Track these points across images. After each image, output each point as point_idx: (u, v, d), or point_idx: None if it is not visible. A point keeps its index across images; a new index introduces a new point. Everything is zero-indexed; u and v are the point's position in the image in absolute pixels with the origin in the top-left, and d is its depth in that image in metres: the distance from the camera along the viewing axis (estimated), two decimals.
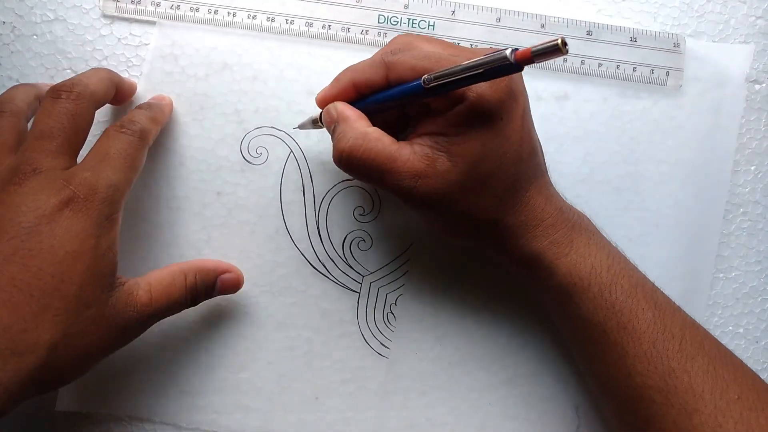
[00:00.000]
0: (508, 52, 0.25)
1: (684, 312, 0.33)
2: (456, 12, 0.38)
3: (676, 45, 0.39)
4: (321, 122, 0.34)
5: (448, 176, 0.30)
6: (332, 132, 0.32)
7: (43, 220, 0.28)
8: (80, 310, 0.28)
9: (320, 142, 0.38)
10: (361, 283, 0.38)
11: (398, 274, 0.38)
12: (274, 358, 0.38)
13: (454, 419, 0.38)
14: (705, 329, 0.32)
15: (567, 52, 0.24)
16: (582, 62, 0.39)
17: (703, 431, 0.28)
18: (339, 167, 0.32)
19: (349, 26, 0.38)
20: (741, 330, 0.39)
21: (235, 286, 0.37)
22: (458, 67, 0.27)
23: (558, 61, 0.38)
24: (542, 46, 0.24)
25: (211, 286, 0.35)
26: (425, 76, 0.29)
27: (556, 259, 0.31)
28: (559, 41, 0.23)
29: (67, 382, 0.30)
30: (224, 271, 0.36)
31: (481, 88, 0.29)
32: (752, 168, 0.40)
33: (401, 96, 0.30)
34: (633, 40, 0.39)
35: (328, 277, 0.38)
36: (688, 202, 0.39)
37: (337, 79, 0.33)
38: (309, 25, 0.38)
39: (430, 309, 0.38)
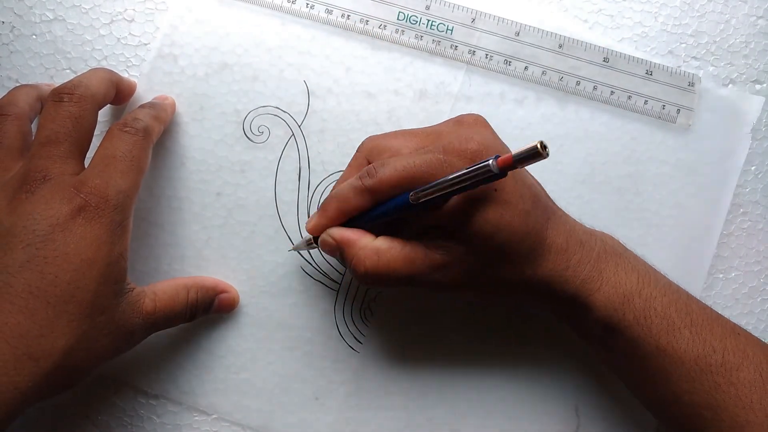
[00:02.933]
0: (491, 162, 0.26)
1: (724, 319, 0.32)
2: (476, 20, 0.38)
3: (691, 84, 0.39)
4: (316, 244, 0.34)
5: (467, 259, 0.30)
6: (339, 258, 0.33)
7: (57, 228, 0.29)
8: (94, 316, 0.29)
9: (324, 121, 0.38)
10: (342, 275, 0.38)
11: None
12: (274, 358, 0.38)
13: (453, 419, 0.38)
14: (749, 334, 0.32)
15: (547, 155, 0.24)
16: (594, 88, 0.39)
17: None
18: (365, 285, 0.34)
19: (368, 18, 0.38)
20: None
21: (230, 305, 0.37)
22: (444, 181, 0.28)
23: (570, 84, 0.39)
24: (523, 151, 0.25)
25: (209, 304, 0.36)
26: (412, 193, 0.29)
27: (590, 295, 0.31)
28: (539, 145, 0.24)
29: (76, 384, 0.30)
30: (222, 291, 0.37)
31: None
32: (752, 168, 0.40)
33: (392, 213, 0.31)
34: (648, 73, 0.39)
35: (310, 263, 0.38)
36: (688, 202, 0.39)
37: (324, 208, 0.33)
38: (329, 12, 0.38)
39: (407, 308, 0.38)
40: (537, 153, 0.24)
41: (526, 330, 0.38)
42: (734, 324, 0.32)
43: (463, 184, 0.27)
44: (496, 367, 0.38)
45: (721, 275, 0.39)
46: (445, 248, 0.30)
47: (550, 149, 0.38)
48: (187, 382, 0.38)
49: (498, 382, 0.38)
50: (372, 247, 0.31)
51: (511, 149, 0.34)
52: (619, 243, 0.34)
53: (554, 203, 0.34)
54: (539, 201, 0.32)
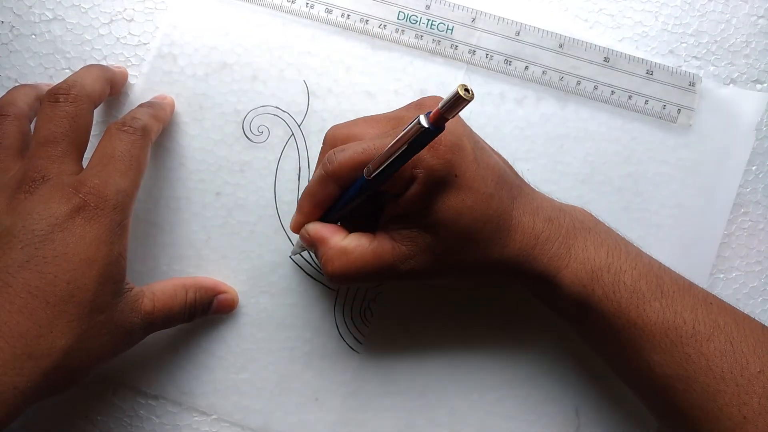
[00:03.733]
0: (422, 119, 0.26)
1: (697, 289, 0.32)
2: (476, 20, 0.38)
3: (692, 84, 0.39)
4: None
5: (434, 247, 0.30)
6: (315, 254, 0.33)
7: (56, 228, 0.29)
8: (93, 316, 0.29)
9: (324, 121, 0.38)
10: None
11: None
12: (274, 359, 0.38)
13: (453, 420, 0.38)
14: (722, 302, 0.32)
15: (472, 96, 0.24)
16: (595, 88, 0.39)
17: (729, 411, 0.29)
18: (336, 284, 0.34)
19: (368, 18, 0.38)
20: None
21: (229, 306, 0.37)
22: (387, 150, 0.28)
23: (571, 84, 0.38)
24: (446, 100, 0.24)
25: (208, 305, 0.36)
26: (365, 169, 0.29)
27: (558, 273, 0.32)
28: (460, 90, 0.23)
29: (75, 384, 0.30)
30: (221, 292, 0.37)
31: (425, 162, 0.29)
32: (753, 168, 0.40)
33: (356, 196, 0.31)
34: (649, 72, 0.39)
35: (310, 263, 0.38)
36: (688, 202, 0.39)
37: (299, 205, 0.34)
38: (329, 11, 0.38)
39: (407, 309, 0.38)
40: (460, 98, 0.24)
41: (527, 331, 0.38)
42: (707, 293, 0.32)
43: (403, 147, 0.27)
44: (497, 367, 0.38)
45: (722, 275, 0.39)
46: (410, 238, 0.30)
47: (553, 147, 0.38)
48: (186, 383, 0.38)
49: (498, 383, 0.38)
50: (340, 247, 0.32)
51: (491, 144, 0.34)
52: (591, 217, 0.34)
53: (522, 180, 0.34)
54: (504, 181, 0.32)
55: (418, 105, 0.32)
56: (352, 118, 0.38)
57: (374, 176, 0.29)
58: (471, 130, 0.32)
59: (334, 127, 0.33)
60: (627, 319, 0.31)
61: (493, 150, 0.34)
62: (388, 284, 0.36)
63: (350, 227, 0.33)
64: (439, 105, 0.25)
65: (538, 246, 0.32)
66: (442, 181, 0.29)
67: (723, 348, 0.30)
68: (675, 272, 0.33)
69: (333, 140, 0.33)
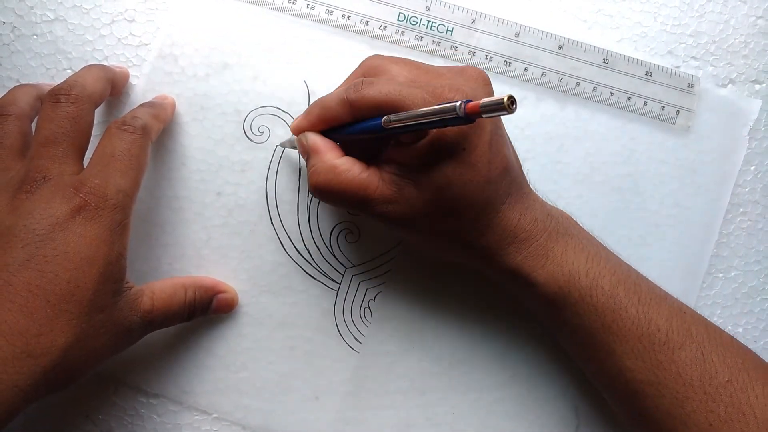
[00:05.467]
0: (457, 105, 0.26)
1: (672, 299, 0.33)
2: (476, 21, 0.39)
3: (690, 86, 0.39)
4: None
5: (415, 203, 0.31)
6: (306, 162, 0.33)
7: (57, 228, 0.29)
8: (93, 314, 0.29)
9: None
10: (342, 275, 0.38)
11: (381, 271, 0.38)
12: (274, 358, 0.38)
13: (453, 419, 0.38)
14: (695, 313, 0.33)
15: (514, 110, 0.24)
16: (594, 89, 0.39)
17: (696, 418, 0.29)
18: (315, 197, 0.33)
19: (368, 19, 0.38)
20: (740, 330, 0.40)
21: (229, 306, 0.37)
22: (414, 113, 0.28)
23: (570, 85, 0.39)
24: (490, 101, 0.25)
25: (207, 304, 0.36)
26: (385, 117, 0.29)
27: (533, 271, 0.32)
28: (505, 99, 0.24)
29: (75, 381, 0.30)
30: (221, 291, 0.37)
31: None
32: (752, 168, 0.40)
33: (364, 132, 0.31)
34: (648, 74, 0.39)
35: (310, 263, 0.38)
36: (687, 202, 0.39)
37: (308, 111, 0.34)
38: (329, 12, 0.38)
39: (407, 309, 0.38)
40: (502, 106, 0.24)
41: (527, 330, 0.38)
42: (681, 303, 0.33)
43: (430, 119, 0.27)
44: (496, 366, 0.38)
45: (720, 275, 0.39)
46: (398, 185, 0.31)
47: (553, 147, 0.38)
48: (187, 382, 0.38)
49: (498, 382, 0.38)
50: (332, 163, 0.32)
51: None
52: (575, 224, 0.34)
53: (525, 180, 0.34)
54: (507, 174, 0.32)
55: (460, 71, 0.32)
56: None
57: (390, 128, 0.29)
58: (499, 118, 0.32)
59: (375, 56, 0.33)
60: (602, 323, 0.31)
61: (510, 143, 0.34)
62: (360, 215, 0.35)
63: (345, 151, 0.33)
64: (481, 103, 0.25)
65: (515, 244, 0.32)
66: (449, 148, 0.29)
67: (694, 356, 0.30)
68: (652, 282, 0.33)
69: (368, 68, 0.33)
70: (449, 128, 0.29)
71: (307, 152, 0.33)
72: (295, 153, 0.38)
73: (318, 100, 0.33)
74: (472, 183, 0.30)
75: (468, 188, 0.30)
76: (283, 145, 0.38)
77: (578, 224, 0.34)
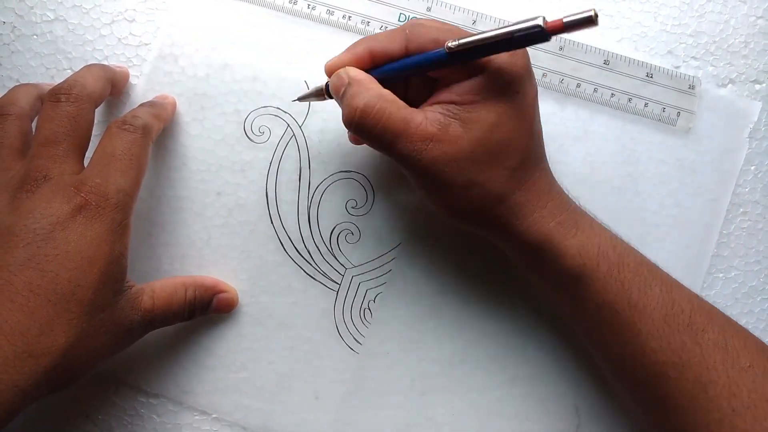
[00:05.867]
0: (540, 20, 0.26)
1: (687, 288, 0.33)
2: (477, 22, 0.39)
3: (691, 87, 0.39)
4: (326, 93, 0.33)
5: (460, 142, 0.29)
6: (341, 95, 0.31)
7: (58, 227, 0.29)
8: (94, 314, 0.29)
9: (324, 121, 0.38)
10: (342, 275, 0.38)
11: (381, 272, 0.38)
12: (274, 358, 0.38)
13: (453, 419, 0.38)
14: (710, 303, 0.32)
15: (597, 24, 0.24)
16: (595, 90, 0.39)
17: (719, 402, 0.29)
18: (350, 128, 0.30)
19: (369, 20, 0.38)
20: None
21: (229, 305, 0.37)
22: (484, 35, 0.28)
23: (571, 86, 0.39)
24: (576, 18, 0.25)
25: (208, 304, 0.36)
26: (449, 42, 0.28)
27: (564, 240, 0.31)
28: (593, 13, 0.24)
29: (76, 382, 0.30)
30: (221, 291, 0.37)
31: (501, 60, 0.29)
32: (752, 168, 0.40)
33: (422, 63, 0.30)
34: (649, 75, 0.39)
35: (310, 263, 0.38)
36: (687, 202, 0.39)
37: (352, 46, 0.32)
38: (330, 13, 0.38)
39: (406, 309, 0.38)
40: (590, 19, 0.24)
41: (527, 330, 0.38)
42: (697, 294, 0.33)
43: (504, 38, 0.27)
44: (496, 366, 0.38)
45: (721, 275, 0.39)
46: (443, 124, 0.29)
47: (553, 147, 0.38)
48: (187, 382, 0.38)
49: (498, 382, 0.38)
50: (378, 91, 0.30)
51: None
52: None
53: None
54: (541, 140, 0.32)
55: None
56: None
57: (454, 52, 0.28)
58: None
59: (417, 19, 0.32)
60: (628, 300, 0.31)
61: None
62: (389, 157, 0.31)
63: None
64: (565, 17, 0.25)
65: (548, 207, 0.31)
66: (506, 87, 0.29)
67: (717, 340, 0.30)
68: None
69: (412, 25, 0.31)
70: (508, 68, 0.29)
71: (345, 84, 0.31)
72: (295, 157, 0.38)
73: (365, 37, 0.32)
74: (521, 129, 0.30)
75: (516, 134, 0.30)
76: (301, 98, 0.36)
77: None
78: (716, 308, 0.32)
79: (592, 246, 0.31)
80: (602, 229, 0.32)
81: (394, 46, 0.31)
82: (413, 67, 0.30)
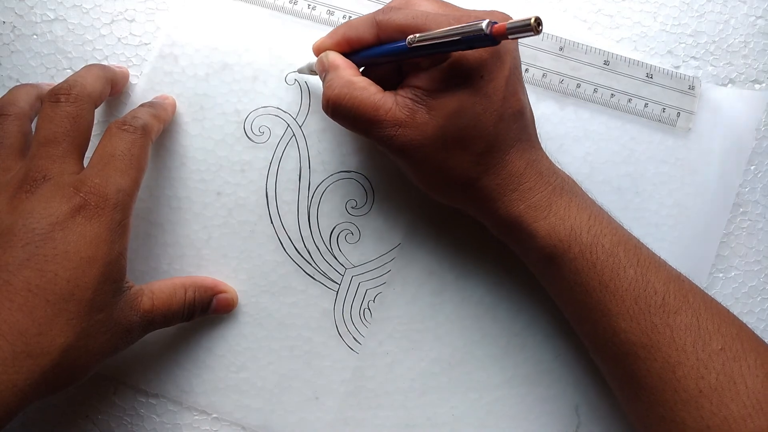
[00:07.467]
0: (484, 24, 0.26)
1: (670, 267, 0.33)
2: None
3: (691, 87, 0.39)
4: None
5: (426, 129, 0.30)
6: (323, 79, 0.33)
7: (57, 227, 0.29)
8: (92, 314, 0.29)
9: (324, 121, 0.38)
10: (342, 275, 0.38)
11: (381, 272, 0.38)
12: (274, 358, 0.38)
13: (453, 419, 0.38)
14: (692, 282, 0.33)
15: (540, 32, 0.25)
16: (595, 90, 0.39)
17: (686, 384, 0.29)
18: (327, 114, 0.33)
19: None
20: None
21: (229, 306, 0.37)
22: (439, 33, 0.28)
23: (571, 86, 0.39)
24: (517, 22, 0.25)
25: (207, 304, 0.36)
26: (410, 36, 0.29)
27: (534, 222, 0.32)
28: (533, 20, 0.24)
29: (75, 382, 0.30)
30: (221, 291, 0.37)
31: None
32: (752, 168, 0.40)
33: (388, 54, 0.31)
34: (649, 76, 0.39)
35: (310, 263, 0.38)
36: (688, 202, 0.39)
37: (333, 31, 0.34)
38: (330, 13, 0.39)
39: (406, 309, 0.38)
40: (529, 27, 0.25)
41: (527, 330, 0.38)
42: (680, 273, 0.33)
43: (455, 38, 0.28)
44: (496, 366, 0.38)
45: (721, 274, 0.39)
46: (411, 110, 0.31)
47: (552, 146, 0.38)
48: (186, 382, 0.38)
49: (498, 382, 0.38)
50: (349, 79, 0.32)
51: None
52: (579, 187, 0.34)
53: (536, 134, 0.34)
54: (520, 118, 0.32)
55: (489, 12, 0.32)
56: None
57: (413, 47, 0.29)
58: (519, 60, 0.32)
59: None
60: (599, 281, 0.31)
61: (526, 93, 0.33)
62: (367, 138, 0.33)
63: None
64: (508, 24, 0.25)
65: (518, 191, 0.32)
66: (467, 73, 0.30)
67: (689, 322, 0.30)
68: (651, 250, 0.33)
69: (399, 3, 0.32)
70: (470, 54, 0.29)
71: (325, 69, 0.33)
72: (295, 156, 0.38)
73: (345, 22, 0.34)
74: (485, 115, 0.30)
75: (480, 119, 0.30)
76: (300, 70, 0.38)
77: (581, 188, 0.35)
78: (697, 289, 0.32)
79: (563, 228, 0.32)
80: (581, 209, 0.32)
81: (366, 34, 0.32)
82: (380, 57, 0.32)
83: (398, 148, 0.31)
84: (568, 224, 0.32)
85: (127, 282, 0.31)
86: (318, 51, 0.34)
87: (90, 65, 0.35)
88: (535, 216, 0.32)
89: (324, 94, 0.32)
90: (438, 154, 0.31)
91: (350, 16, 0.39)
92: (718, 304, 0.32)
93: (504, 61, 0.30)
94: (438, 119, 0.30)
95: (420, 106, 0.30)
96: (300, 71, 0.38)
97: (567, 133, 0.39)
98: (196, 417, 0.38)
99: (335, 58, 0.33)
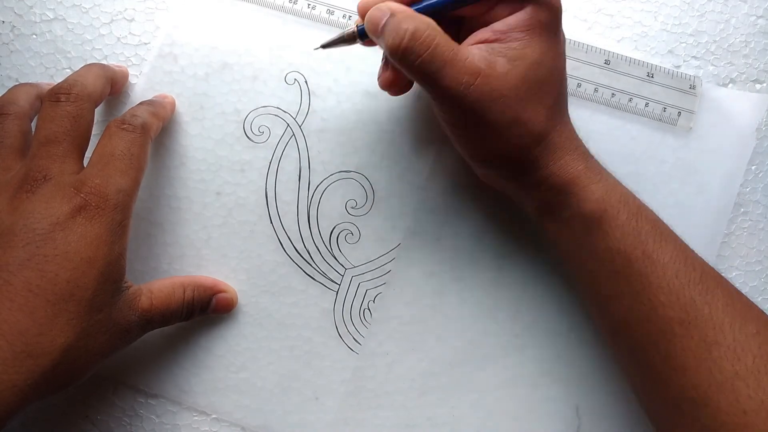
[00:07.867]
0: None
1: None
2: None
3: (692, 87, 0.39)
4: (359, 37, 0.32)
5: (507, 78, 0.29)
6: (382, 27, 0.30)
7: (57, 227, 0.29)
8: (92, 314, 0.29)
9: (324, 121, 0.38)
10: (342, 275, 0.38)
11: (381, 272, 0.38)
12: (274, 358, 0.38)
13: (453, 419, 0.38)
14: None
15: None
16: (595, 90, 0.39)
17: (722, 365, 0.28)
18: (395, 56, 0.29)
19: None
20: None
21: (228, 305, 0.37)
22: None
23: (571, 86, 0.38)
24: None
25: (207, 304, 0.36)
26: None
27: (591, 183, 0.31)
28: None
29: (75, 382, 0.30)
30: (220, 291, 0.37)
31: None
32: (752, 168, 0.40)
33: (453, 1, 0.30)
34: (649, 75, 0.39)
35: (310, 263, 0.38)
36: (688, 202, 0.39)
37: None
38: (330, 12, 0.38)
39: (406, 310, 0.38)
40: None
41: (527, 330, 0.38)
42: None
43: None
44: (497, 366, 0.38)
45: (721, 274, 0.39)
46: (490, 61, 0.29)
47: None
48: (186, 382, 0.38)
49: (498, 382, 0.38)
50: (424, 18, 0.29)
51: None
52: None
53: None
54: (564, 94, 0.33)
55: None
56: (353, 118, 0.38)
57: None
58: None
59: None
60: (644, 250, 0.30)
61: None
62: (433, 88, 0.30)
63: None
64: None
65: (578, 151, 0.32)
66: (546, 27, 0.30)
67: (726, 302, 0.29)
68: None
69: None
70: (546, 8, 0.30)
71: (384, 17, 0.29)
72: (294, 156, 0.38)
73: None
74: (558, 70, 0.31)
75: (554, 73, 0.31)
76: (326, 45, 0.33)
77: None
78: (725, 278, 0.31)
79: (615, 193, 0.31)
80: (623, 185, 0.33)
81: None
82: (455, 2, 0.30)
83: (474, 99, 0.29)
84: (618, 190, 0.32)
85: (126, 282, 0.31)
86: (369, 5, 0.31)
87: (90, 64, 0.35)
88: (592, 177, 0.31)
89: (395, 30, 0.29)
90: (515, 106, 0.30)
91: (350, 16, 0.38)
92: (744, 295, 0.31)
93: (560, 17, 0.31)
94: (520, 68, 0.30)
95: (499, 57, 0.30)
96: (325, 46, 0.33)
97: None
98: (196, 417, 0.38)
99: (398, 5, 0.30)
